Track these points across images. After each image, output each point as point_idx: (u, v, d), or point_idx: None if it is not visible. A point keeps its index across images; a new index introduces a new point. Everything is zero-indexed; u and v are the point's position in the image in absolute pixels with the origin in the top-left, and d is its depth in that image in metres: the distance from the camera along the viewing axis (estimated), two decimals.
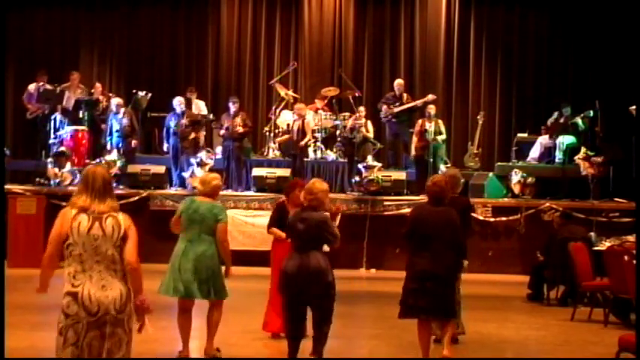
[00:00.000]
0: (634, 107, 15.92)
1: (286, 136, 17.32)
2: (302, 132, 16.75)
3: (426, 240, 7.83)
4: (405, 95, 17.58)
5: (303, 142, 16.81)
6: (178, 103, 16.78)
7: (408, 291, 7.90)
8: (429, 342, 7.98)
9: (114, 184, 5.75)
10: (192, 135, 16.77)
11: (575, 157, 16.52)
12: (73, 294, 5.18)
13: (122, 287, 5.24)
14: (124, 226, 5.27)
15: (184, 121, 16.67)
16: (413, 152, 16.83)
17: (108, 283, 5.20)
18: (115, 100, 17.25)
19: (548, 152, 17.68)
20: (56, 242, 5.25)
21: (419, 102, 17.48)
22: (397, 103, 17.43)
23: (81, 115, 17.58)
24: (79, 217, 5.24)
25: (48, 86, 17.76)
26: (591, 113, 17.04)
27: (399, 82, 17.81)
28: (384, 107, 17.48)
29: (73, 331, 5.16)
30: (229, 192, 16.16)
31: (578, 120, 17.19)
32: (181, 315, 8.23)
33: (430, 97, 17.52)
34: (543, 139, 17.82)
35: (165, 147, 17.11)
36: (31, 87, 18.04)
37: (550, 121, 17.78)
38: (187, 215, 8.15)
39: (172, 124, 16.61)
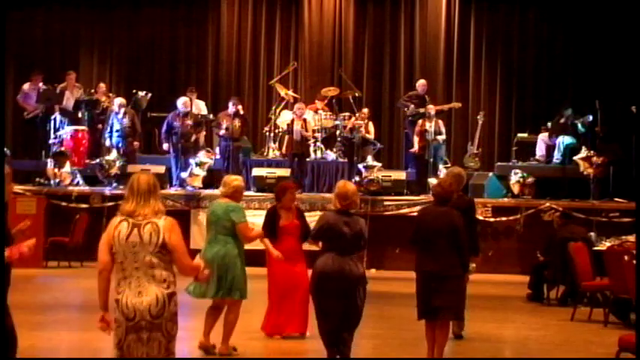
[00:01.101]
0: (634, 107, 15.93)
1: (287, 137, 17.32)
2: (305, 131, 16.78)
3: (428, 240, 7.87)
4: (426, 96, 17.64)
5: (309, 142, 16.85)
6: (182, 103, 16.79)
7: (418, 293, 8.00)
8: (434, 341, 7.99)
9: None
10: (194, 136, 16.80)
11: (575, 157, 16.51)
12: (116, 300, 5.34)
13: (158, 292, 5.31)
14: (162, 233, 5.33)
15: (189, 121, 16.69)
16: (415, 148, 16.80)
17: (144, 289, 5.30)
18: (118, 100, 17.24)
19: (549, 152, 17.66)
20: (104, 252, 5.36)
21: (445, 107, 17.84)
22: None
23: (81, 115, 17.57)
24: (120, 225, 5.35)
25: (42, 85, 17.73)
26: (590, 118, 17.00)
27: (423, 83, 17.84)
28: (412, 106, 17.39)
29: (117, 334, 5.34)
30: None
31: (578, 124, 17.16)
32: (209, 310, 8.43)
33: (456, 104, 18.14)
34: (544, 137, 17.79)
35: (165, 146, 17.05)
36: (26, 87, 18.03)
37: (550, 124, 17.83)
38: (207, 217, 8.45)
39: (177, 123, 16.59)
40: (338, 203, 7.65)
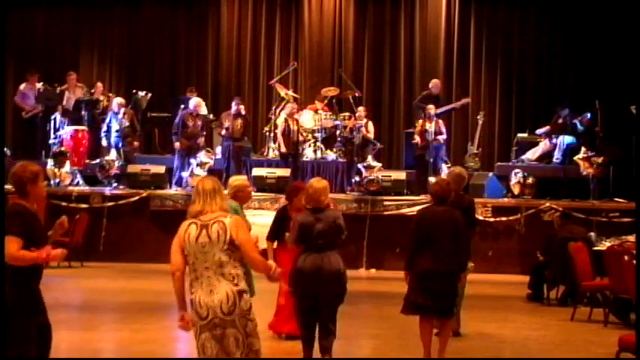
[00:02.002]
0: (634, 107, 15.94)
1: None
2: (299, 132, 16.85)
3: (428, 239, 7.86)
4: (440, 96, 17.65)
5: (303, 141, 16.91)
6: (195, 104, 16.83)
7: (410, 288, 7.97)
8: (430, 339, 8.00)
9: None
10: (201, 137, 16.87)
11: (575, 157, 16.52)
12: (190, 300, 5.52)
13: (229, 289, 5.44)
14: (229, 230, 5.46)
15: (200, 122, 16.73)
16: (417, 140, 16.80)
17: (215, 287, 5.44)
18: (117, 100, 17.25)
19: (547, 155, 17.65)
20: (176, 253, 5.51)
21: (457, 104, 18.03)
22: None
23: (82, 114, 17.56)
24: (190, 227, 5.51)
25: (39, 85, 17.72)
26: (588, 116, 17.01)
27: (437, 83, 17.84)
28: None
29: (195, 334, 5.51)
30: None
31: (577, 122, 17.17)
32: None
33: (466, 100, 18.29)
34: (545, 145, 17.75)
35: (177, 145, 16.90)
36: (22, 87, 18.04)
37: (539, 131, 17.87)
38: None
39: (190, 124, 16.60)
40: (305, 202, 7.70)
